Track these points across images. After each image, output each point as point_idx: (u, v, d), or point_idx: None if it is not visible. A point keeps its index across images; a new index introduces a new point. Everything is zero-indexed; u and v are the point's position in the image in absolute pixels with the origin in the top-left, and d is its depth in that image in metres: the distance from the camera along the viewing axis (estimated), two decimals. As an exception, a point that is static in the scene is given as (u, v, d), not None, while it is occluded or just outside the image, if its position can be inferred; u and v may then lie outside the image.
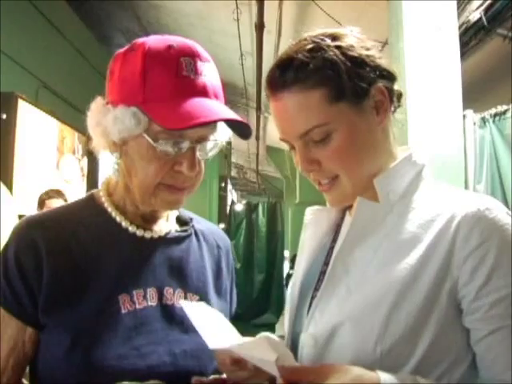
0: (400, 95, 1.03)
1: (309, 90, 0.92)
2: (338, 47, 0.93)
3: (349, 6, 4.07)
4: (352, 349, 0.89)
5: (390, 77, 0.98)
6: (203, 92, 1.00)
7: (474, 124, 3.04)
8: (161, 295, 1.06)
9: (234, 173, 13.85)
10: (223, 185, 8.23)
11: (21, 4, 3.75)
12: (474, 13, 3.30)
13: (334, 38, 0.95)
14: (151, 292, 1.06)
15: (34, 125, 3.68)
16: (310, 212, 1.13)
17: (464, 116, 2.95)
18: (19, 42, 3.71)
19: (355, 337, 0.89)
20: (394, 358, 0.86)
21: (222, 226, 8.79)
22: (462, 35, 3.21)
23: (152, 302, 1.05)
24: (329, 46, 0.93)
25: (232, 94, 7.73)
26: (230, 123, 1.05)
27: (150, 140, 0.99)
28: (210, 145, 1.07)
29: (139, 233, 1.09)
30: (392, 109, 1.00)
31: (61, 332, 0.99)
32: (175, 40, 1.03)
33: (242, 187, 16.55)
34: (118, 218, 1.09)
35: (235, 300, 1.29)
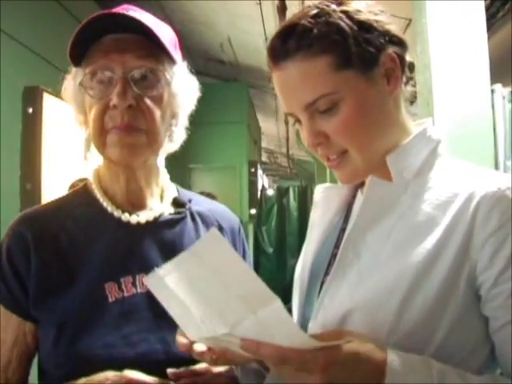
0: (412, 66, 0.97)
1: (313, 58, 0.87)
2: (343, 12, 0.88)
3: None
4: None
5: (400, 43, 0.92)
6: (110, 13, 0.99)
7: (504, 98, 2.94)
8: None
9: (264, 158, 13.81)
10: (253, 170, 8.20)
11: (47, 2, 3.78)
12: (501, -18, 3.19)
13: (340, 3, 0.90)
14: (140, 278, 1.04)
15: (60, 118, 3.71)
16: (320, 190, 1.08)
17: (492, 91, 2.85)
18: (44, 37, 3.74)
19: (367, 326, 0.84)
20: (408, 349, 0.80)
21: (254, 211, 8.77)
22: (488, 7, 3.11)
23: (142, 289, 1.03)
24: (334, 10, 0.88)
25: (259, 78, 7.67)
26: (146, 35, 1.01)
27: (82, 89, 1.02)
28: (155, 79, 1.03)
29: (125, 218, 1.08)
30: (404, 79, 0.95)
31: (49, 323, 0.99)
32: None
33: (273, 172, 16.50)
34: (105, 204, 1.08)
35: None
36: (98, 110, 1.01)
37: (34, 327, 1.03)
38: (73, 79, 1.06)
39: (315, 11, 0.89)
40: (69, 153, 4.02)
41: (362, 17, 0.89)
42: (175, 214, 1.14)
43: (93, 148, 1.10)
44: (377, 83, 0.90)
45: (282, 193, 10.07)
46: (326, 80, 0.87)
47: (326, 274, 0.98)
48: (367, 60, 0.88)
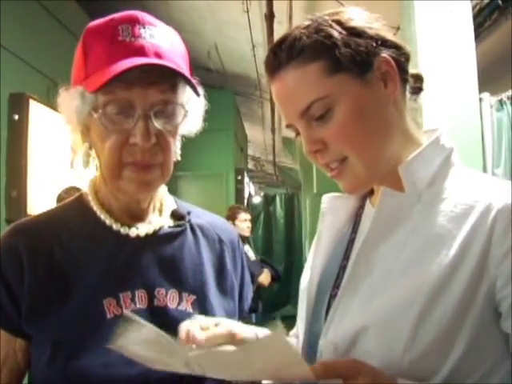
0: (420, 78, 0.96)
1: (305, 65, 0.86)
2: (334, 20, 0.88)
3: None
4: (377, 357, 0.80)
5: (396, 47, 0.91)
6: (139, 52, 0.94)
7: (491, 107, 2.97)
8: (152, 297, 1.00)
9: (250, 165, 13.80)
10: (239, 178, 8.18)
11: (28, 4, 3.74)
12: (488, -7, 3.22)
13: (334, 13, 0.90)
14: (140, 294, 1.00)
15: (46, 125, 3.68)
16: (326, 200, 1.05)
17: (480, 99, 2.88)
18: (28, 42, 3.70)
19: (381, 344, 0.81)
20: (424, 367, 0.78)
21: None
22: (475, 16, 3.13)
23: (141, 304, 0.99)
24: (325, 20, 0.88)
25: (245, 85, 7.68)
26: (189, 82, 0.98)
27: (94, 114, 0.95)
28: (172, 112, 0.99)
29: (123, 231, 1.04)
30: (408, 88, 0.94)
31: (43, 341, 0.95)
32: (121, 13, 0.99)
33: (259, 180, 16.48)
34: (103, 216, 1.04)
35: (249, 296, 1.22)
36: (115, 144, 0.96)
37: (25, 344, 0.98)
38: (79, 98, 0.98)
39: (308, 22, 0.89)
40: (54, 160, 3.99)
41: (353, 23, 0.88)
42: (175, 226, 1.11)
43: (91, 162, 1.07)
44: (373, 87, 0.88)
45: (268, 200, 10.09)
46: (319, 85, 0.86)
47: (334, 287, 0.94)
48: (360, 63, 0.87)
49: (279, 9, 4.58)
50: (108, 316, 0.97)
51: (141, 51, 0.94)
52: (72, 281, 0.98)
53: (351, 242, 0.98)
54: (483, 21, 3.45)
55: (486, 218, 0.79)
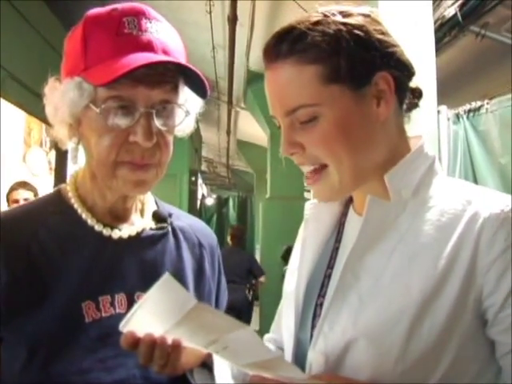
0: (419, 93, 0.94)
1: (303, 65, 0.83)
2: (345, 24, 0.84)
3: (323, 0, 4.02)
4: (368, 368, 0.80)
5: (402, 68, 0.88)
6: (147, 47, 0.91)
7: (448, 120, 3.04)
8: (131, 301, 0.96)
9: (204, 167, 13.77)
10: (194, 179, 8.14)
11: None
12: (450, 9, 3.30)
13: (346, 15, 0.86)
14: (120, 298, 0.96)
15: (-1, 116, 3.56)
16: (310, 206, 1.03)
17: (438, 112, 2.94)
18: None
19: (372, 355, 0.80)
20: (415, 377, 0.78)
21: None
22: (436, 31, 3.21)
23: (120, 309, 0.95)
24: (335, 21, 0.84)
25: (203, 87, 7.64)
26: (189, 82, 0.96)
27: (94, 108, 0.90)
28: (172, 111, 0.96)
29: (106, 232, 0.99)
30: (406, 103, 0.91)
31: (18, 344, 0.90)
32: (122, 4, 0.95)
33: (212, 181, 16.46)
34: (84, 215, 0.99)
35: (224, 301, 1.20)
36: (114, 141, 0.91)
37: None
38: (75, 89, 0.92)
39: (317, 18, 0.85)
40: (7, 153, 3.87)
41: (364, 33, 0.84)
42: (157, 229, 1.07)
43: (79, 158, 1.02)
44: (365, 103, 0.85)
45: (221, 202, 10.08)
46: (311, 91, 0.83)
47: (320, 295, 0.93)
48: (358, 77, 0.84)
49: (242, 12, 4.58)
50: (86, 320, 0.92)
51: (149, 46, 0.91)
52: (49, 281, 0.93)
53: (335, 250, 0.98)
54: (443, 36, 3.54)
55: (473, 228, 0.80)
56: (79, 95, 0.91)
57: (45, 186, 4.29)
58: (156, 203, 1.14)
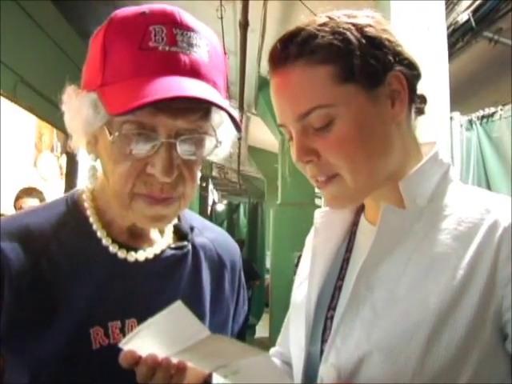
0: (423, 99, 0.92)
1: (315, 66, 0.80)
2: (353, 24, 0.82)
3: (334, 5, 4.01)
4: (383, 382, 0.76)
5: (412, 67, 0.86)
6: (174, 68, 0.79)
7: (461, 126, 3.00)
8: None
9: (215, 173, 13.76)
10: (204, 185, 8.14)
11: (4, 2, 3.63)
12: (463, 14, 3.27)
13: (351, 16, 0.84)
14: (130, 324, 0.89)
15: (11, 121, 3.57)
16: (320, 215, 0.99)
17: (451, 118, 2.90)
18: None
19: (387, 370, 0.76)
20: None
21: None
22: (449, 36, 3.18)
23: None
24: (344, 21, 0.82)
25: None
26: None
27: (107, 134, 0.80)
28: (200, 140, 0.84)
29: (121, 254, 0.91)
30: (413, 109, 0.89)
31: (20, 367, 0.84)
32: (154, 6, 0.82)
33: (222, 187, 16.42)
34: (99, 233, 0.91)
35: (240, 318, 1.13)
36: (129, 171, 0.81)
37: None
38: (91, 107, 0.82)
39: (324, 20, 0.83)
40: (18, 158, 3.88)
41: (373, 32, 0.82)
42: (176, 248, 0.98)
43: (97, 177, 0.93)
44: (380, 103, 0.82)
45: (232, 208, 10.05)
46: (325, 91, 0.80)
47: (330, 308, 0.90)
48: (372, 76, 0.81)
49: (253, 17, 4.57)
50: (93, 347, 0.86)
51: (175, 66, 0.79)
52: (57, 304, 0.85)
53: (346, 260, 0.94)
54: (456, 41, 3.50)
55: (493, 237, 0.77)
56: (94, 114, 0.82)
57: (56, 191, 4.30)
58: (178, 215, 1.03)
